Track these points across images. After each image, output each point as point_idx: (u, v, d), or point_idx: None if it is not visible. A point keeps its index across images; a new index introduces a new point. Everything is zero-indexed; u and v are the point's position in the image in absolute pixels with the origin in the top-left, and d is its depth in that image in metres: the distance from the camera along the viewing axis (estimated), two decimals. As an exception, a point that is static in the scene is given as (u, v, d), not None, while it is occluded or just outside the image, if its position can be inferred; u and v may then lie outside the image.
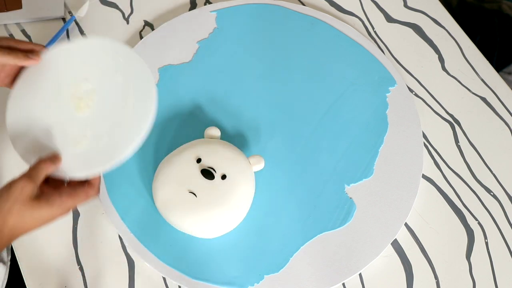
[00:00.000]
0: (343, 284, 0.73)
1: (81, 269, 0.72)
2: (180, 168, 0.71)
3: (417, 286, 0.73)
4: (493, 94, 0.88)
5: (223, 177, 0.71)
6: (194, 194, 0.69)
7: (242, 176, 0.71)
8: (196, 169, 0.71)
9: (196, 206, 0.69)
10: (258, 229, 0.74)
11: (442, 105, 0.87)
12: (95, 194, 0.62)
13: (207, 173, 0.70)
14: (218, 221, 0.70)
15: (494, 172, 0.81)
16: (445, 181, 0.80)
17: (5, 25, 0.90)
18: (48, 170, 0.60)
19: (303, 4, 0.95)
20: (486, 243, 0.76)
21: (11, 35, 0.89)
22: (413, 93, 0.87)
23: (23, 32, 0.89)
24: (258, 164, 0.74)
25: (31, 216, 0.57)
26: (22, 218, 0.57)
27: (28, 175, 0.58)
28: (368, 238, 0.74)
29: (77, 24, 0.91)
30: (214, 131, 0.76)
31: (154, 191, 0.72)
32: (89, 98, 0.64)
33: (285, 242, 0.74)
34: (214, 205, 0.69)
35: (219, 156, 0.72)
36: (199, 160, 0.71)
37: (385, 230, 0.75)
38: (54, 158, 0.61)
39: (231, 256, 0.72)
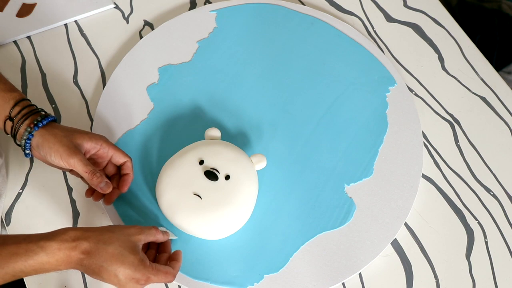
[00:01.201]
0: (343, 284, 0.73)
1: (81, 268, 0.72)
2: (183, 171, 0.71)
3: (417, 286, 0.73)
4: (493, 94, 0.88)
5: (227, 177, 0.71)
6: (199, 197, 0.69)
7: (246, 176, 0.71)
8: (199, 171, 0.71)
9: (202, 209, 0.69)
10: (258, 229, 0.74)
11: (442, 104, 0.87)
12: (171, 278, 0.64)
13: (211, 175, 0.70)
14: (225, 222, 0.70)
15: (494, 172, 0.81)
16: (445, 181, 0.80)
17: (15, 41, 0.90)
18: (156, 237, 0.65)
19: (303, 4, 0.95)
20: (486, 243, 0.76)
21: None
22: (413, 92, 0.87)
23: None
24: (261, 163, 0.74)
25: (122, 252, 0.60)
26: (115, 247, 0.59)
27: (141, 228, 0.64)
28: (368, 237, 0.74)
29: (77, 24, 0.91)
30: (215, 132, 0.76)
31: (158, 195, 0.71)
32: None
33: (285, 241, 0.74)
34: (220, 206, 0.69)
35: (222, 156, 0.72)
36: (201, 162, 0.71)
37: (384, 229, 0.75)
38: (166, 233, 0.68)
39: (231, 255, 0.72)
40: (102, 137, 0.71)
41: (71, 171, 0.71)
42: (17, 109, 0.69)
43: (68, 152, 0.66)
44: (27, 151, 0.69)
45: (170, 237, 0.70)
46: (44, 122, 0.68)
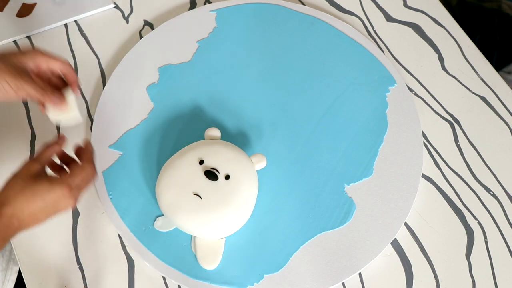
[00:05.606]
0: (343, 284, 0.73)
1: (81, 268, 0.72)
2: (183, 170, 0.71)
3: (417, 286, 0.73)
4: (492, 94, 0.88)
5: (227, 177, 0.71)
6: (199, 196, 0.69)
7: (246, 176, 0.71)
8: (199, 170, 0.71)
9: (202, 208, 0.69)
10: (258, 229, 0.74)
11: (442, 104, 0.87)
12: (91, 171, 0.62)
13: (211, 174, 0.70)
14: (225, 222, 0.70)
15: (494, 172, 0.81)
16: (445, 181, 0.80)
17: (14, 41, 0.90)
18: (53, 150, 0.63)
19: (303, 4, 0.95)
20: (486, 243, 0.76)
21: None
22: (413, 92, 0.87)
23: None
24: (261, 163, 0.74)
25: (32, 192, 0.58)
26: (24, 194, 0.58)
27: (34, 158, 0.62)
28: (368, 237, 0.74)
29: (77, 24, 0.91)
30: (215, 132, 0.76)
31: (158, 195, 0.71)
32: None
33: (285, 241, 0.74)
34: (220, 206, 0.69)
35: (222, 156, 0.72)
36: (201, 162, 0.71)
37: (384, 229, 0.75)
38: (60, 139, 0.65)
39: (230, 255, 0.72)
40: (34, 49, 0.68)
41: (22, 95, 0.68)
42: None
43: (14, 77, 0.63)
44: None
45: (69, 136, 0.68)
46: None
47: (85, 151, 0.65)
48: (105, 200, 0.75)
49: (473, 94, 0.88)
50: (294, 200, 0.77)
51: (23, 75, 0.64)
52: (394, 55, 0.91)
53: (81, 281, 0.71)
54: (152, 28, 0.92)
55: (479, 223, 0.78)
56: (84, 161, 0.64)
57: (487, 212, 0.78)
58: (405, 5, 0.96)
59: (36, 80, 0.65)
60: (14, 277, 0.78)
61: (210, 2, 0.95)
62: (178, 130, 0.81)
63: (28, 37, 0.89)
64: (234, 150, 0.74)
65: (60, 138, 0.65)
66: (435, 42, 0.92)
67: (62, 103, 0.67)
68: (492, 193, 0.80)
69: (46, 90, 0.65)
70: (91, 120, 0.83)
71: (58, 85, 0.69)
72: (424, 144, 0.83)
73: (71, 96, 0.68)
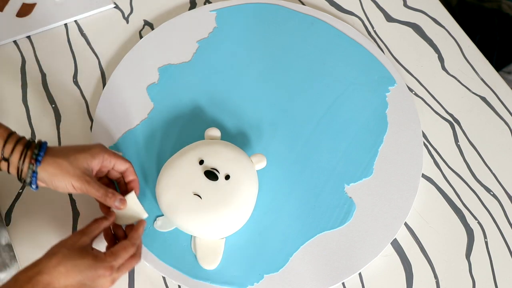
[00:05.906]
0: (343, 284, 0.73)
1: (81, 268, 0.72)
2: (183, 170, 0.71)
3: (417, 286, 0.73)
4: (492, 94, 0.88)
5: (227, 177, 0.71)
6: (199, 196, 0.69)
7: (246, 176, 0.71)
8: (199, 170, 0.71)
9: (202, 208, 0.69)
10: (258, 229, 0.74)
11: (442, 104, 0.87)
12: (135, 255, 0.64)
13: (211, 174, 0.70)
14: (225, 221, 0.70)
15: (494, 172, 0.81)
16: (445, 181, 0.80)
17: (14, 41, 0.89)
18: (102, 225, 0.65)
19: (303, 4, 0.95)
20: (486, 243, 0.76)
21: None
22: (413, 92, 0.87)
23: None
24: (261, 163, 0.74)
25: (73, 264, 0.58)
26: (65, 265, 0.58)
27: (82, 230, 0.63)
28: (368, 237, 0.74)
29: (77, 24, 0.91)
30: (215, 132, 0.76)
31: (158, 194, 0.71)
32: None
33: (285, 241, 0.74)
34: (220, 206, 0.69)
35: (222, 156, 0.72)
36: (201, 162, 0.71)
37: (384, 229, 0.75)
38: (109, 215, 0.67)
39: (230, 255, 0.72)
40: (101, 149, 0.68)
41: None
42: (9, 147, 0.63)
43: (80, 181, 0.64)
44: (33, 186, 0.65)
45: (121, 220, 0.69)
46: (42, 154, 0.64)
47: (136, 231, 0.66)
48: (105, 200, 0.75)
49: (473, 94, 0.88)
50: (294, 200, 0.77)
51: (89, 179, 0.65)
52: (394, 55, 0.91)
53: (81, 281, 0.71)
54: (152, 28, 0.92)
55: (479, 223, 0.78)
56: (131, 240, 0.64)
57: (487, 212, 0.78)
58: (405, 5, 0.96)
59: (99, 184, 0.67)
60: None
61: (210, 2, 0.95)
62: (178, 130, 0.81)
63: (28, 37, 0.89)
64: (234, 150, 0.74)
65: (109, 214, 0.67)
66: (435, 42, 0.92)
67: (123, 207, 0.68)
68: (492, 193, 0.80)
69: (108, 194, 0.67)
70: (91, 120, 0.83)
71: (115, 178, 0.72)
72: (424, 144, 0.83)
73: (131, 196, 0.69)
